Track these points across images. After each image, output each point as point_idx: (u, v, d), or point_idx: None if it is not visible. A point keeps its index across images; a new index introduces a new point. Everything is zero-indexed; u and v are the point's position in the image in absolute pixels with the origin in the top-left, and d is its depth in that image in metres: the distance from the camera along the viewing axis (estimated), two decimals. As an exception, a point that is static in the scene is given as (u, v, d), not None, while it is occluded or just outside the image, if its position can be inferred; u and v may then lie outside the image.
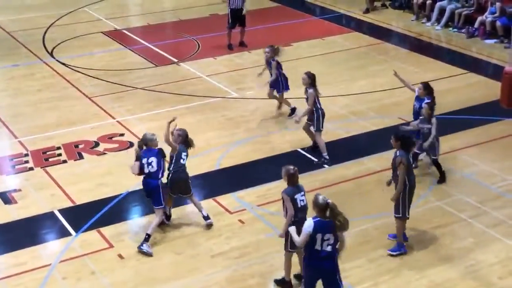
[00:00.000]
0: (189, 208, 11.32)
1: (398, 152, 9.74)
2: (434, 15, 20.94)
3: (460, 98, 15.46)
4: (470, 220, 10.78)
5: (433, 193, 11.51)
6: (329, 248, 8.08)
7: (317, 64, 18.08)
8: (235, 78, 17.22)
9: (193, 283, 9.53)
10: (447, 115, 14.55)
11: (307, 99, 12.73)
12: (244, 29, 19.22)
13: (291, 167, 9.17)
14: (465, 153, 12.99)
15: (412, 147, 10.20)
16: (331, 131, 14.00)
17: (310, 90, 12.64)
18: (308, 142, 13.33)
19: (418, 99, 12.36)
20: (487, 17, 19.63)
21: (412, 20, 21.46)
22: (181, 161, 10.56)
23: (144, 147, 10.33)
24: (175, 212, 11.16)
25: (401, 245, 9.93)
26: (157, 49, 19.39)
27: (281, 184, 11.89)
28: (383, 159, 12.71)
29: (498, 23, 19.27)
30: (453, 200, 11.38)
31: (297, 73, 17.26)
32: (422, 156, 12.26)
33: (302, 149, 13.23)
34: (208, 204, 11.43)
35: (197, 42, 19.82)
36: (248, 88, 16.47)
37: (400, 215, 9.82)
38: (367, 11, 22.46)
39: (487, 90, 15.67)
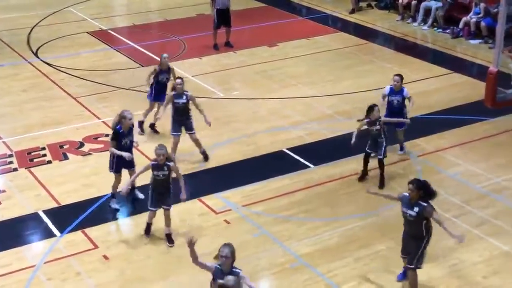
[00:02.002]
0: (175, 208, 11.30)
1: (424, 203, 8.65)
2: (420, 15, 21.04)
3: (445, 98, 15.53)
4: (455, 219, 10.82)
5: (418, 192, 11.54)
6: None
7: (303, 64, 18.12)
8: (221, 78, 17.20)
9: (179, 283, 9.51)
10: (432, 114, 14.64)
11: (187, 102, 12.49)
12: (229, 29, 19.21)
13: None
14: (449, 153, 13.05)
15: (434, 195, 8.84)
16: (317, 131, 14.03)
17: (190, 93, 12.60)
18: (294, 143, 13.40)
19: (395, 92, 12.44)
20: (471, 17, 19.74)
21: (397, 21, 21.55)
22: None
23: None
24: (161, 212, 11.14)
25: None
26: (142, 49, 19.33)
27: (267, 184, 11.96)
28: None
29: (482, 24, 19.38)
30: (437, 199, 11.23)
31: (284, 73, 17.38)
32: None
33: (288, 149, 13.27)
34: (193, 205, 11.42)
35: (183, 42, 19.79)
36: (234, 88, 16.47)
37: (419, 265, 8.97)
38: (352, 11, 22.52)
39: (471, 90, 15.75)
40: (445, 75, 17.07)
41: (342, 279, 9.53)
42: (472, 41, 19.56)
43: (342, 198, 11.61)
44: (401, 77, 12.50)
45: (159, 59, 14.10)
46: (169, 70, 13.88)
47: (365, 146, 11.88)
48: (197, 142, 12.85)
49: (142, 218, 10.91)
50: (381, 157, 11.75)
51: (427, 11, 20.94)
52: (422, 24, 21.00)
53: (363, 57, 18.55)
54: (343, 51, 19.09)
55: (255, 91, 16.21)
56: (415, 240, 8.83)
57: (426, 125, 14.11)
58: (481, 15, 19.59)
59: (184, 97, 12.50)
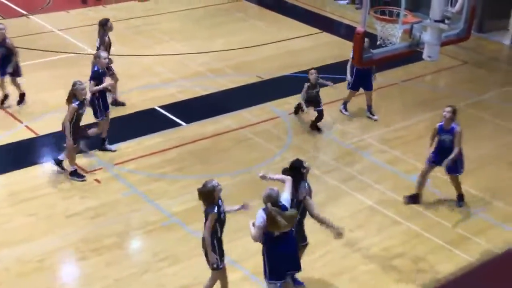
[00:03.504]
0: (43, 167, 10.94)
1: (306, 183, 8.13)
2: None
3: (315, 57, 15.85)
4: (324, 175, 11.15)
5: (289, 150, 11.79)
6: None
7: (176, 20, 17.89)
8: (90, 33, 16.55)
9: (48, 244, 9.22)
10: (302, 73, 14.90)
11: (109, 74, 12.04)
12: (98, -18, 18.64)
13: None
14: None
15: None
16: (189, 89, 13.95)
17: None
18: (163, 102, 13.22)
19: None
20: (340, -22, 20.23)
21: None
22: None
23: None
24: (26, 172, 10.75)
25: None
26: (4, 1, 18.31)
27: (139, 142, 11.78)
28: (241, 117, 12.89)
29: (350, -15, 19.94)
30: (309, 157, 11.67)
31: (156, 29, 17.07)
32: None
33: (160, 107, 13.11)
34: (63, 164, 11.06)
35: (49, -6, 18.95)
36: (103, 44, 15.96)
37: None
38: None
39: (340, 49, 16.15)
40: (314, 34, 17.41)
41: (215, 236, 9.58)
42: (340, 2, 20.07)
43: (214, 155, 11.64)
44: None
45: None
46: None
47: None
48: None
49: (5, 180, 10.49)
50: (321, 108, 12.47)
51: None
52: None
53: (236, 14, 18.55)
54: (216, 8, 19.00)
55: (126, 47, 15.82)
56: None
57: (296, 83, 14.34)
58: (349, -24, 20.12)
59: None
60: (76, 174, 10.67)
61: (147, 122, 12.61)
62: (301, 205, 8.03)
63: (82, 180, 10.62)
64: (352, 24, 17.61)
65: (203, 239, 7.73)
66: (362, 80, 12.90)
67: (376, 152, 11.97)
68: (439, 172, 11.32)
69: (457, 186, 10.45)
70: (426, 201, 10.58)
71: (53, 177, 10.73)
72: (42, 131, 11.98)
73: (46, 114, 12.48)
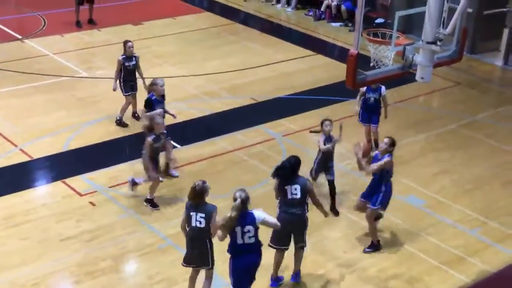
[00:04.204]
0: (37, 191, 10.93)
1: (301, 178, 8.85)
2: (284, -3, 21.51)
3: (309, 79, 15.94)
4: (318, 197, 11.08)
5: (283, 171, 11.78)
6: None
7: (169, 43, 17.97)
8: (84, 56, 16.71)
9: (42, 268, 9.18)
10: (296, 95, 14.99)
11: (136, 64, 13.03)
12: (93, 5, 18.72)
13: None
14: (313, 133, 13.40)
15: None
16: (185, 111, 13.97)
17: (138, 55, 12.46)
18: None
19: (372, 90, 11.94)
20: (332, 0, 20.36)
21: (262, 2, 21.87)
22: None
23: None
24: (20, 196, 10.72)
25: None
26: (-1, 25, 18.41)
27: (134, 165, 11.77)
28: (235, 139, 12.91)
29: (343, 7, 20.07)
30: (302, 178, 11.69)
31: (149, 52, 17.13)
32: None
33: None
34: (57, 187, 11.06)
35: (43, 18, 18.99)
36: (98, 68, 16.04)
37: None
38: (218, -9, 22.56)
39: (333, 71, 16.25)
40: (308, 56, 17.52)
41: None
42: (333, 24, 20.21)
43: (208, 177, 11.49)
44: None
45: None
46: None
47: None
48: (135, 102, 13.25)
49: None
50: (333, 178, 10.96)
51: (292, -7, 21.42)
52: (286, 6, 21.47)
53: (229, 37, 18.66)
54: (210, 31, 19.11)
55: (120, 70, 15.85)
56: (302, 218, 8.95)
57: (290, 105, 14.44)
58: (342, -2, 20.30)
59: (134, 59, 12.89)
60: (151, 202, 10.67)
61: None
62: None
63: (156, 209, 10.62)
64: (346, 46, 17.73)
65: (207, 243, 8.24)
66: (368, 113, 12.29)
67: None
68: (435, 193, 11.38)
69: (370, 220, 9.72)
70: (421, 222, 10.59)
71: (48, 200, 10.71)
72: (36, 155, 11.98)
73: (41, 138, 12.49)
